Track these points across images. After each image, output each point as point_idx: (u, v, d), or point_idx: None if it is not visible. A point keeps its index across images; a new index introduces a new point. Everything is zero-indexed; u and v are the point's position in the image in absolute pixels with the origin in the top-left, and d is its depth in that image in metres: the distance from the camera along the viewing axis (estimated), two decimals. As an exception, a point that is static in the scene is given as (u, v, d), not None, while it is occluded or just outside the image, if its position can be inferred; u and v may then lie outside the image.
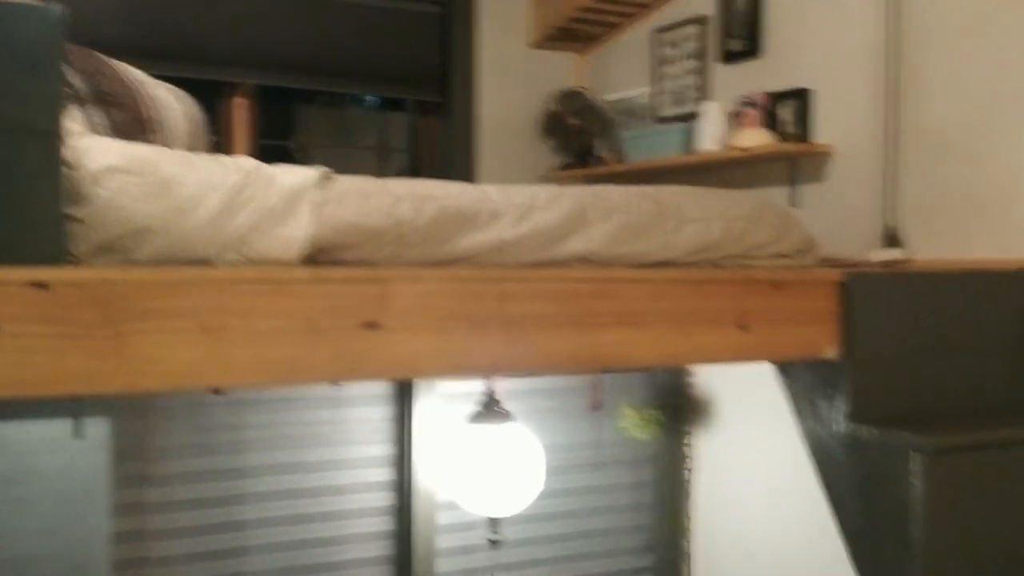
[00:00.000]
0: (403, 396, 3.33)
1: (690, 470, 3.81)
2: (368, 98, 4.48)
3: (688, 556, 3.81)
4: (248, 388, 1.76)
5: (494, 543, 3.17)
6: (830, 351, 2.32)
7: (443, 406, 3.32)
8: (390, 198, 2.14)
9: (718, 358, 2.21)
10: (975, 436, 2.25)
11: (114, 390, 1.58)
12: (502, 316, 1.92)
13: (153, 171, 1.96)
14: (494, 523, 3.16)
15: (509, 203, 2.27)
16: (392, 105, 4.50)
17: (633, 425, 3.59)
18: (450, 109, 4.34)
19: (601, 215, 2.36)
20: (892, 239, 2.99)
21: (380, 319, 1.80)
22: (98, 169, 1.87)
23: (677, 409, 3.74)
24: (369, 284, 1.80)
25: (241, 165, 2.08)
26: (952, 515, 2.21)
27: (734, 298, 2.17)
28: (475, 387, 3.25)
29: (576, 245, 2.25)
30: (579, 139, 4.27)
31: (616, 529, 3.75)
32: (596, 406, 3.65)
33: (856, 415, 2.33)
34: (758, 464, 3.56)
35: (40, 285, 1.53)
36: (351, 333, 1.77)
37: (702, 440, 3.79)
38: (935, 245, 2.92)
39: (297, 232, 2.01)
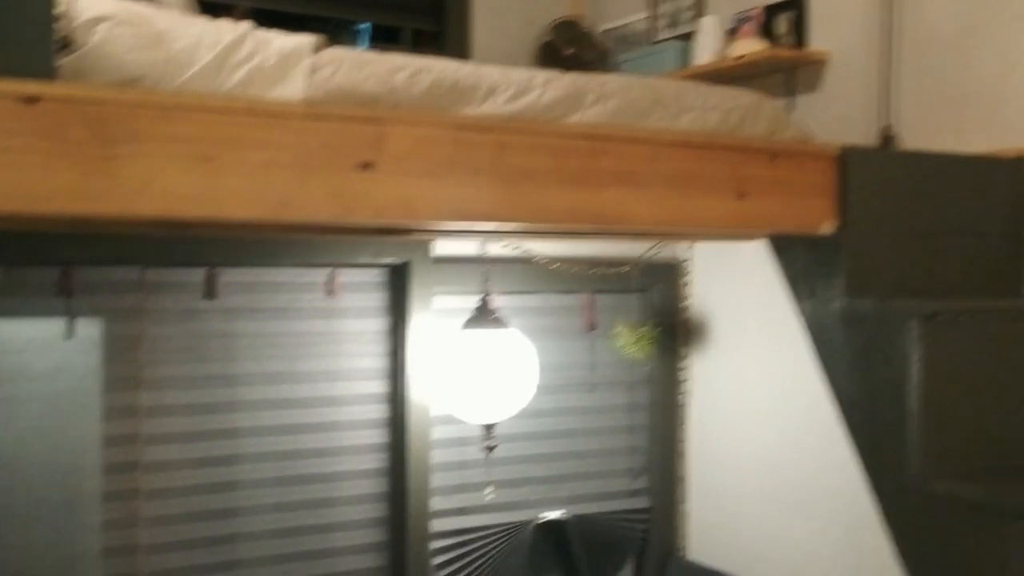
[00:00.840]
0: (398, 309, 3.31)
1: (685, 393, 3.79)
2: (361, 27, 4.45)
3: (682, 479, 3.80)
4: (241, 220, 1.75)
5: (489, 449, 3.15)
6: (827, 226, 2.31)
7: (438, 320, 3.31)
8: (386, 67, 2.12)
9: (716, 225, 2.20)
10: (972, 303, 2.25)
11: (105, 211, 1.56)
12: (500, 167, 1.90)
13: (148, 24, 1.94)
14: (489, 429, 3.14)
15: (507, 80, 2.26)
16: (387, 36, 4.47)
17: (628, 343, 3.57)
18: (445, 39, 4.32)
19: (598, 98, 2.35)
20: (888, 140, 2.98)
21: (376, 160, 1.78)
22: (91, 17, 1.85)
23: (672, 329, 3.72)
24: (365, 124, 1.78)
25: (237, 27, 2.07)
26: (949, 381, 2.20)
27: (731, 165, 2.16)
28: (470, 303, 3.23)
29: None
30: (575, 69, 4.25)
31: (611, 450, 3.73)
32: (590, 326, 3.64)
33: (853, 290, 2.32)
34: (752, 387, 3.55)
35: (31, 100, 1.51)
36: (346, 173, 1.76)
37: (697, 363, 3.77)
38: (931, 144, 2.91)
39: (290, 95, 1.99)
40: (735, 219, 2.16)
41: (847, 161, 2.30)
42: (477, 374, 3.06)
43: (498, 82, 2.24)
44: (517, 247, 3.39)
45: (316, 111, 1.75)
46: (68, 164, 1.52)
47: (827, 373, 2.36)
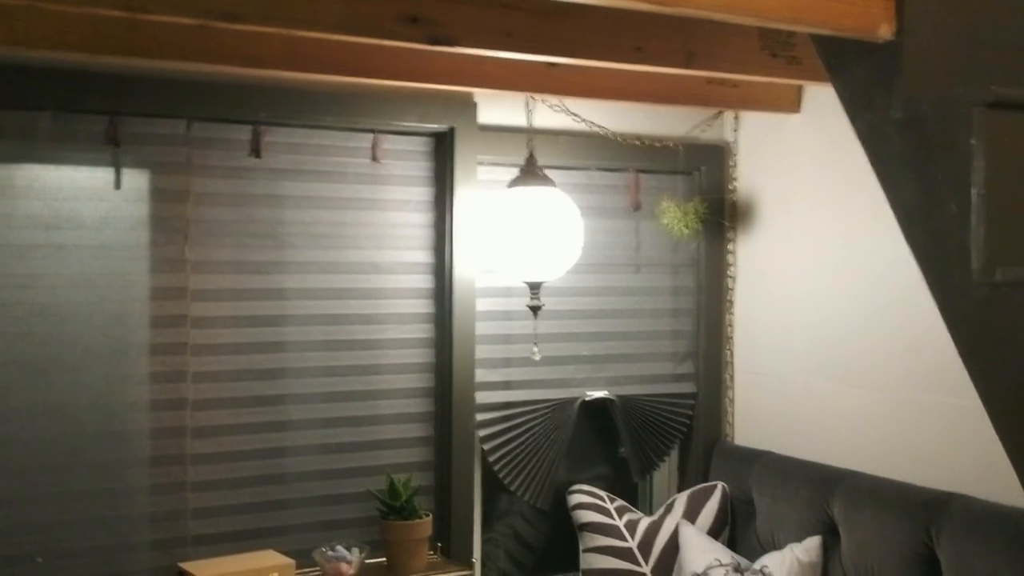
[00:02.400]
0: (442, 178, 3.29)
1: (731, 277, 3.75)
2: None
3: (729, 364, 3.76)
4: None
5: (535, 309, 3.13)
6: (885, 30, 2.25)
7: (482, 192, 3.28)
8: None
9: (772, 16, 2.14)
10: (1038, 96, 2.18)
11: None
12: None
13: None
14: (535, 288, 3.11)
15: None
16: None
17: (674, 218, 3.53)
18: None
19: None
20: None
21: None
22: None
23: (718, 209, 3.67)
24: None
25: None
26: (1013, 171, 2.14)
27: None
28: (515, 173, 3.20)
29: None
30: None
31: (656, 333, 3.70)
32: (636, 206, 3.60)
33: (913, 95, 2.26)
34: (800, 267, 3.50)
35: None
36: None
37: (743, 246, 3.73)
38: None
39: None
40: (794, 9, 2.10)
41: (905, -40, 2.23)
42: (523, 232, 3.04)
43: None
44: (562, 108, 3.35)
45: None
46: None
47: (885, 186, 2.30)
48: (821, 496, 3.15)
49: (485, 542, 3.46)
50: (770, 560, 3.12)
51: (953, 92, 2.15)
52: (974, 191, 2.08)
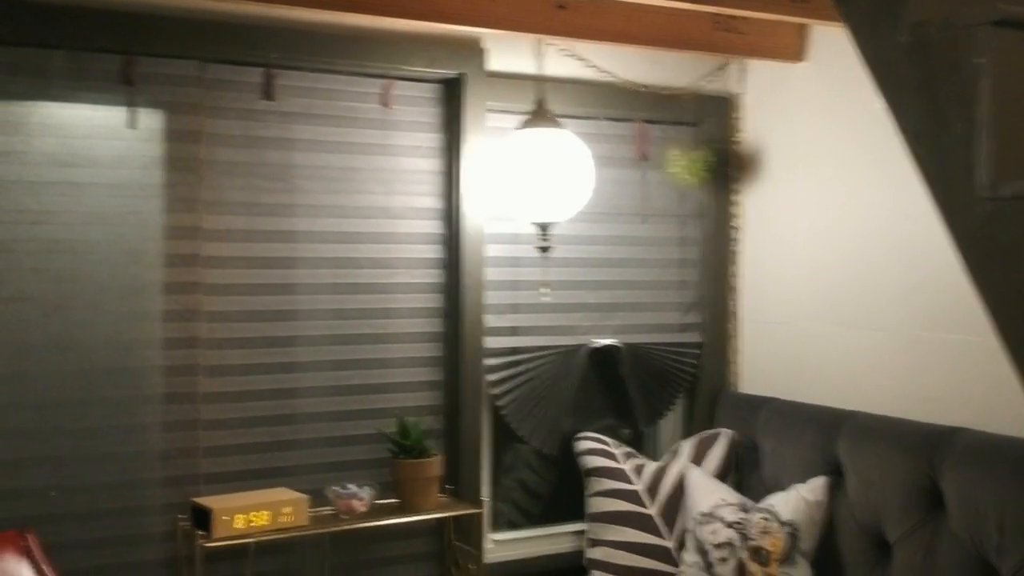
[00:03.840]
0: (452, 124, 3.32)
1: (737, 228, 3.78)
2: None
3: (734, 314, 3.79)
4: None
5: (543, 250, 3.16)
6: (893, -45, 2.28)
7: (491, 139, 3.31)
8: None
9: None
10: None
11: None
12: None
13: None
14: (544, 229, 3.15)
15: None
16: None
17: (680, 167, 3.56)
18: None
19: None
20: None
21: None
22: None
23: (725, 159, 3.70)
24: None
25: None
26: (1019, 91, 2.17)
27: None
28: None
29: None
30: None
31: (663, 283, 3.73)
32: (643, 156, 3.63)
33: (919, 19, 2.29)
34: (805, 216, 3.54)
35: None
36: None
37: (749, 197, 3.76)
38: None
39: None
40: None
41: None
42: (533, 173, 3.07)
43: None
44: (570, 52, 3.38)
45: None
46: None
47: (893, 110, 2.34)
48: (826, 438, 3.19)
49: (493, 493, 3.49)
50: (776, 500, 3.16)
51: (959, 12, 2.18)
52: (980, 109, 2.11)
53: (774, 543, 3.03)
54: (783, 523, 3.07)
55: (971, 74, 2.13)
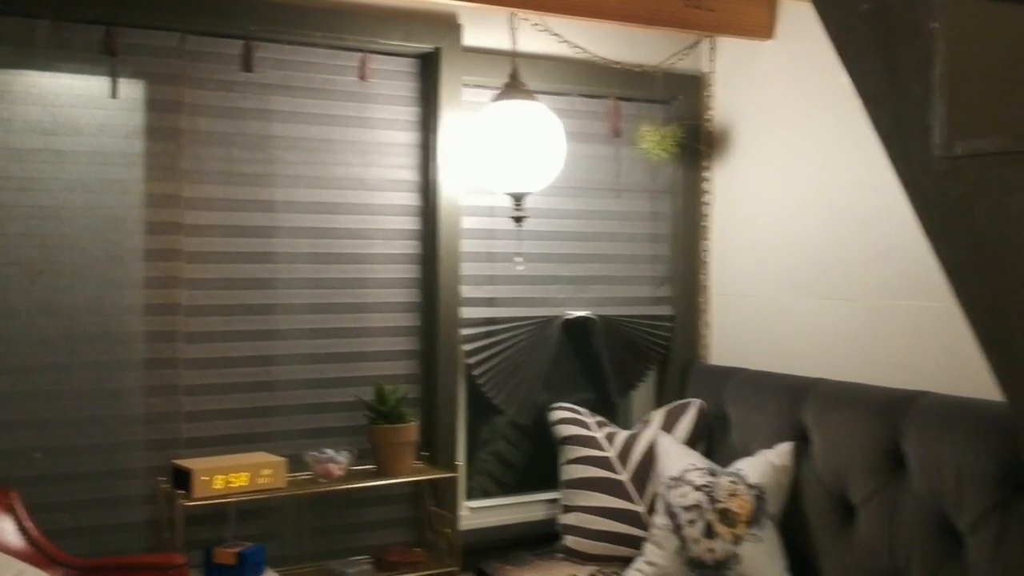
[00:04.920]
0: (428, 98, 3.38)
1: (708, 203, 3.87)
2: None
3: (705, 288, 3.88)
4: None
5: (518, 220, 3.23)
6: (853, -74, 2.36)
7: (467, 113, 3.38)
8: None
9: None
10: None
11: None
12: None
13: None
14: (519, 200, 3.22)
15: None
16: None
17: (652, 143, 3.64)
18: None
19: None
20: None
21: None
22: None
23: (695, 136, 3.79)
24: None
25: None
26: (972, 54, 2.27)
27: None
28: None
29: None
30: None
31: (635, 257, 3.81)
32: (616, 132, 3.71)
33: (879, -10, 2.37)
34: (772, 194, 3.62)
35: None
36: None
37: (719, 174, 3.85)
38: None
39: None
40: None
41: None
42: (507, 144, 3.14)
43: None
44: (544, 27, 3.45)
45: None
46: None
47: (853, 75, 2.42)
48: (793, 404, 3.28)
49: (468, 462, 3.56)
50: (743, 464, 3.24)
51: (916, -21, 2.26)
52: (936, 72, 2.21)
53: (741, 505, 3.12)
54: (750, 486, 3.15)
55: (928, 39, 2.22)
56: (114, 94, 2.96)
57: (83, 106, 2.94)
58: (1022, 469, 2.60)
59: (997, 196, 2.12)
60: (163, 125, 3.04)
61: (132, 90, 3.00)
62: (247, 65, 3.13)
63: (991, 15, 2.25)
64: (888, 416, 2.97)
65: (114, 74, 2.96)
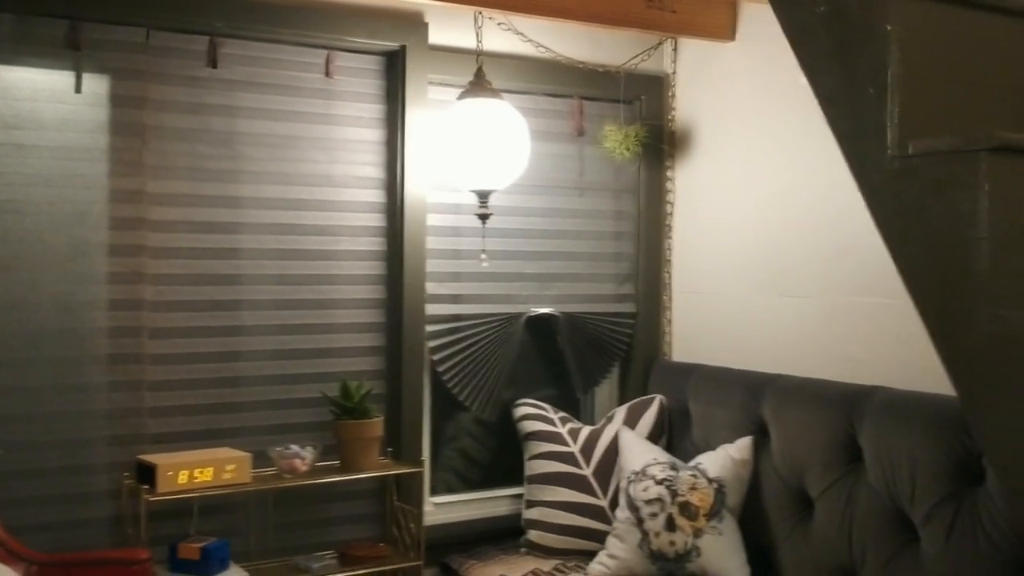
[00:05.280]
0: (394, 95, 3.40)
1: (671, 203, 3.92)
2: None
3: (668, 286, 3.93)
4: None
5: (483, 217, 3.26)
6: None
7: (433, 111, 3.40)
8: None
9: None
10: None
11: None
12: None
13: None
14: (483, 197, 3.25)
15: None
16: None
17: (615, 142, 3.68)
18: None
19: None
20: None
21: None
22: None
23: (658, 135, 3.83)
24: None
25: None
26: (926, 55, 2.32)
27: None
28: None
29: None
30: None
31: (599, 255, 3.85)
32: (579, 131, 3.75)
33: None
34: (734, 194, 3.68)
35: None
36: None
37: (681, 173, 3.90)
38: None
39: None
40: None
41: None
42: (472, 141, 3.17)
43: None
44: (509, 25, 3.48)
45: None
46: None
47: (811, 77, 2.47)
48: (752, 400, 3.33)
49: (433, 459, 3.59)
50: (704, 459, 3.29)
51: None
52: (890, 73, 2.26)
53: (702, 499, 3.16)
54: (711, 480, 3.20)
55: (883, 41, 2.28)
56: (78, 89, 2.96)
57: (46, 100, 2.93)
58: (973, 462, 2.66)
59: (949, 194, 2.18)
60: (127, 120, 3.04)
61: (96, 85, 3.00)
62: (213, 61, 3.14)
63: (944, 18, 2.31)
64: (844, 411, 3.02)
65: (78, 69, 2.96)
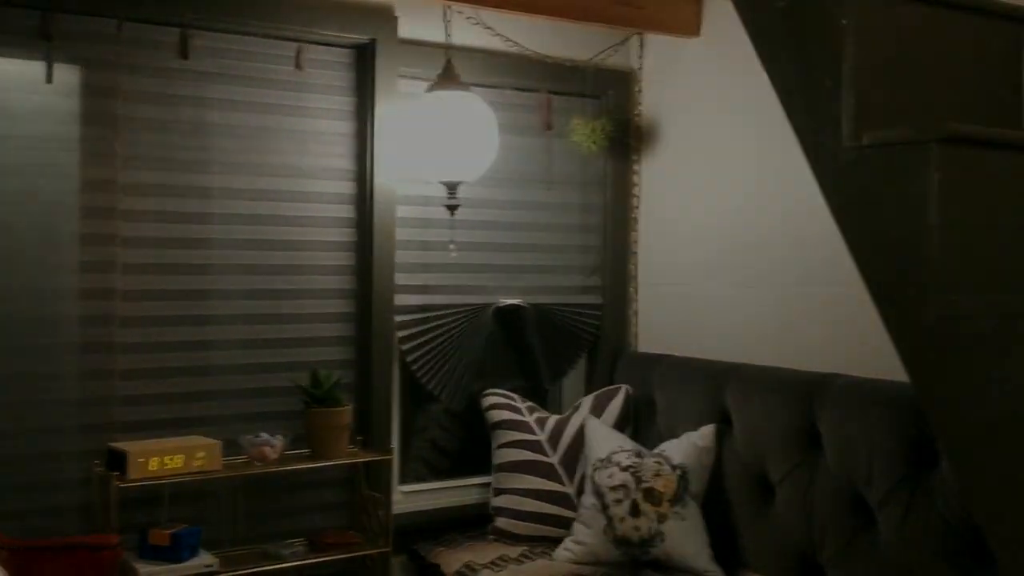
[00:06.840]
0: (364, 88, 3.44)
1: (637, 196, 3.98)
2: None
3: (634, 278, 3.99)
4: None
5: (451, 208, 3.31)
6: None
7: (402, 104, 3.44)
8: None
9: None
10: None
11: None
12: None
13: None
14: (452, 189, 3.30)
15: None
16: None
17: (582, 135, 3.74)
18: None
19: None
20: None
21: None
22: None
23: (625, 130, 3.90)
24: None
25: None
26: (880, 49, 2.39)
27: None
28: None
29: None
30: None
31: (566, 247, 3.91)
32: (547, 125, 3.80)
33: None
34: (698, 188, 3.75)
35: None
36: None
37: (647, 167, 3.96)
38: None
39: None
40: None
41: None
42: (440, 133, 3.21)
43: None
44: (477, 19, 3.53)
45: None
46: None
47: (769, 69, 2.55)
48: (715, 389, 3.40)
49: (402, 448, 3.63)
50: (668, 446, 3.36)
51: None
52: (845, 66, 2.33)
53: (665, 485, 3.23)
54: (674, 467, 3.27)
55: (838, 35, 2.35)
56: (49, 79, 2.98)
57: (17, 90, 2.95)
58: (927, 446, 2.74)
59: (901, 183, 2.25)
60: (99, 111, 3.06)
61: (68, 75, 3.02)
62: (184, 53, 3.16)
63: (898, 13, 2.38)
64: (803, 398, 3.10)
65: (50, 59, 2.97)
